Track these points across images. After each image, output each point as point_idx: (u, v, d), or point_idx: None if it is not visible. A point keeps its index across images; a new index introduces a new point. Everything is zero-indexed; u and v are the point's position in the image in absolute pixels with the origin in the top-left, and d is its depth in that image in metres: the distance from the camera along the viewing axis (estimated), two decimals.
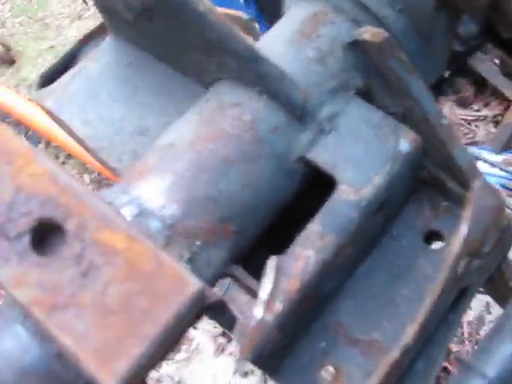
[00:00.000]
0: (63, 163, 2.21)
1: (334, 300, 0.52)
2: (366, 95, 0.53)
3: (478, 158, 1.89)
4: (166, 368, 1.84)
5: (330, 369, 0.50)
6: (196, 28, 0.48)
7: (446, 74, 0.73)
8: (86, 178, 2.17)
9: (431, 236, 0.57)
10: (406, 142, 0.51)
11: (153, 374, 1.81)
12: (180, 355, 1.86)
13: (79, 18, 2.65)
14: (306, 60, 0.52)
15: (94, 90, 0.58)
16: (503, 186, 1.85)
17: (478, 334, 1.66)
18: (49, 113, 0.60)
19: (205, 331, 1.88)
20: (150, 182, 0.47)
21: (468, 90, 2.25)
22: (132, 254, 0.36)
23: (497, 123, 2.17)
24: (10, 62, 2.58)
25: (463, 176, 0.53)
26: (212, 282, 0.47)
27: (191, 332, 1.87)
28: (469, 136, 2.14)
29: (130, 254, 0.36)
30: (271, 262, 0.45)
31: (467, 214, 0.51)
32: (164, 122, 0.55)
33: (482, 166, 1.84)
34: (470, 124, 2.19)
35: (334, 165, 0.50)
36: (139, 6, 0.53)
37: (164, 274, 0.36)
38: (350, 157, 0.50)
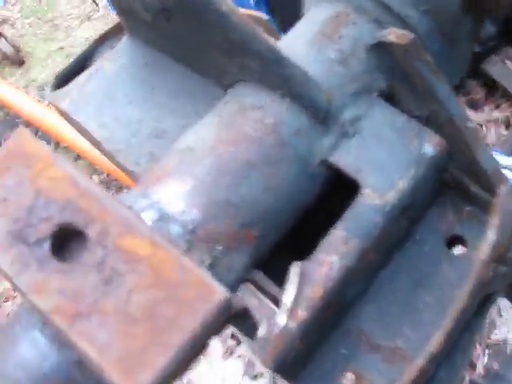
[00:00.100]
0: None
1: (355, 306, 0.51)
2: (388, 98, 0.52)
3: None
4: None
5: (352, 376, 0.49)
6: (218, 29, 0.47)
7: None
8: (95, 178, 2.16)
9: (454, 241, 0.56)
10: (430, 146, 0.50)
11: None
12: None
13: (88, 19, 2.65)
14: (327, 61, 0.51)
15: (110, 90, 0.57)
16: None
17: (489, 338, 1.65)
18: (64, 114, 0.59)
19: None
20: (169, 186, 0.46)
21: (479, 93, 2.23)
22: (156, 260, 0.35)
23: (508, 125, 2.15)
24: (20, 62, 2.58)
25: (488, 181, 0.52)
26: (233, 287, 0.46)
27: None
28: None
29: (153, 261, 0.35)
30: (294, 269, 0.44)
31: (494, 220, 0.49)
32: (182, 124, 0.54)
33: None
34: (480, 126, 2.17)
35: (358, 169, 0.48)
36: (158, 6, 0.52)
37: (189, 281, 0.35)
38: (373, 161, 0.49)
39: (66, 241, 0.37)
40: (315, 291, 0.43)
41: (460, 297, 0.48)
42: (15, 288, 0.39)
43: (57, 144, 2.27)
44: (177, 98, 0.56)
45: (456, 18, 0.54)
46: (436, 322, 0.49)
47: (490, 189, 0.51)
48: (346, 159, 0.49)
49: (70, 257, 0.37)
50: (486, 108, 2.22)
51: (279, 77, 0.47)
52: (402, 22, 0.53)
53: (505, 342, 1.58)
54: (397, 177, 0.48)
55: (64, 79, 0.63)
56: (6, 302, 2.01)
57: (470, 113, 2.20)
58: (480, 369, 1.52)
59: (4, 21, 2.78)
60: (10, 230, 0.37)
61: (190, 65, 0.56)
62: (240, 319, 0.40)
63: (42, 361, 0.41)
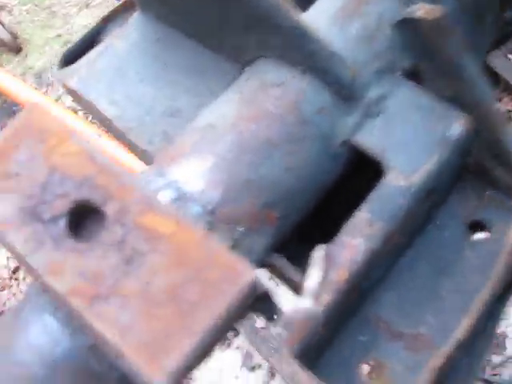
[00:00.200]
0: None
1: (374, 293, 0.49)
2: (413, 77, 0.50)
3: None
4: None
5: (371, 363, 0.48)
6: (238, 3, 0.45)
7: None
8: None
9: (474, 226, 0.54)
10: (457, 126, 0.48)
11: None
12: None
13: (87, 6, 2.61)
14: (350, 38, 0.49)
15: (121, 68, 0.55)
16: None
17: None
18: (72, 92, 0.57)
19: None
20: (188, 165, 0.44)
21: None
22: (179, 239, 0.33)
23: (509, 119, 2.13)
24: (17, 49, 2.54)
25: None
26: None
27: None
28: None
29: (177, 240, 0.33)
30: (319, 252, 0.42)
31: None
32: (196, 102, 0.52)
33: None
34: None
35: (383, 149, 0.47)
36: None
37: (215, 261, 0.33)
38: (398, 141, 0.47)
39: (82, 219, 0.35)
40: (340, 274, 0.42)
41: (486, 283, 0.46)
42: (28, 269, 0.36)
43: None
44: (190, 76, 0.54)
45: None
46: (461, 309, 0.47)
47: None
48: (371, 139, 0.47)
49: (88, 236, 0.35)
50: None
51: (303, 52, 0.45)
52: None
53: (503, 335, 1.57)
54: (423, 158, 0.47)
55: (71, 57, 0.61)
56: (2, 291, 1.99)
57: None
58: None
59: (1, 7, 2.74)
60: (23, 207, 0.35)
61: (202, 41, 0.54)
62: (260, 303, 0.38)
63: (55, 346, 0.39)
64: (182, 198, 0.42)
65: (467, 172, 0.54)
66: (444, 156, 0.48)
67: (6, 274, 2.01)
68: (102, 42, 0.58)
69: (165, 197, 0.42)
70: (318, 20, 0.51)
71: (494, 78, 2.15)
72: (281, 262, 0.47)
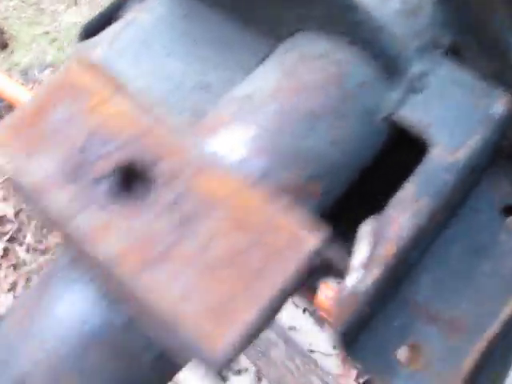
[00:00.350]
0: None
1: (410, 274, 0.47)
2: (454, 54, 0.49)
3: None
4: None
5: (409, 347, 0.46)
6: None
7: None
8: None
9: (508, 211, 0.53)
10: (499, 105, 0.47)
11: None
12: None
13: (75, 3, 2.57)
14: (391, 12, 0.47)
15: (147, 41, 0.53)
16: None
17: None
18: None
19: None
20: (229, 134, 0.41)
21: None
22: (238, 202, 0.31)
23: None
24: (3, 45, 2.49)
25: None
26: None
27: None
28: None
29: (235, 203, 0.31)
30: (366, 226, 0.40)
31: None
32: (227, 77, 0.50)
33: None
34: None
35: (427, 125, 0.45)
36: None
37: (277, 226, 0.31)
38: (442, 118, 0.46)
39: (130, 181, 0.33)
40: (388, 249, 0.40)
41: None
42: (66, 235, 0.34)
43: None
44: (219, 51, 0.52)
45: None
46: (500, 293, 0.46)
47: None
48: (414, 115, 0.45)
49: (137, 198, 0.32)
50: None
51: (348, 23, 0.43)
52: None
53: None
54: (466, 135, 0.45)
55: (91, 31, 0.58)
56: None
57: None
58: None
59: None
60: (65, 167, 0.33)
61: (233, 15, 0.52)
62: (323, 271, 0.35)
63: (87, 320, 0.36)
64: None
65: (500, 157, 0.52)
66: (487, 134, 0.46)
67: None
68: (126, 16, 0.55)
69: None
70: None
71: None
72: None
